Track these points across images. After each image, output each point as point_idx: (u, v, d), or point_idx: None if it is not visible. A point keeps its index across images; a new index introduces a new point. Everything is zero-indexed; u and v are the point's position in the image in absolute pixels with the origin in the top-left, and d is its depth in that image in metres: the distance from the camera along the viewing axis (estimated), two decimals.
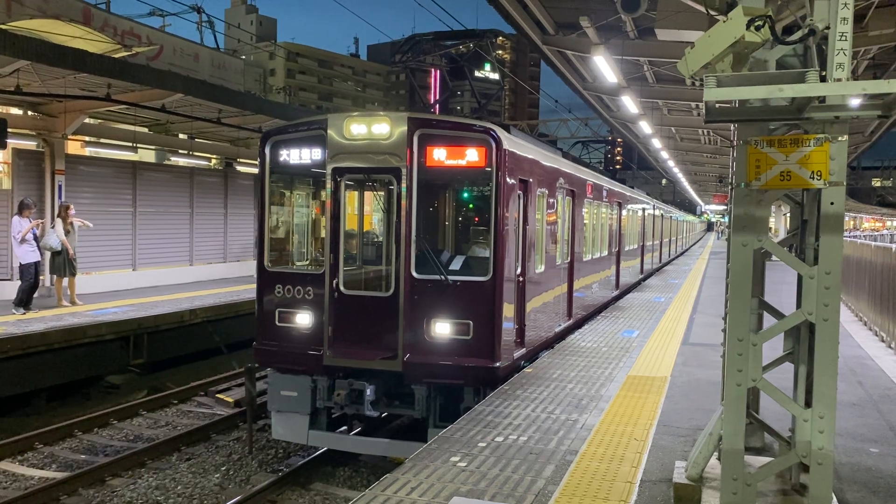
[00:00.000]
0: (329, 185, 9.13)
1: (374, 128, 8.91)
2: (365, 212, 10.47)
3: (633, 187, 25.18)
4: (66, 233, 14.38)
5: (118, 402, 12.79)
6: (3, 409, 11.78)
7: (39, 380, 12.10)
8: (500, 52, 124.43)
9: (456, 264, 9.23)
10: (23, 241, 13.64)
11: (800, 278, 4.86)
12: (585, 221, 14.39)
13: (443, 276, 8.72)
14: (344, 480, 9.39)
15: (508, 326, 9.05)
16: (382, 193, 9.35)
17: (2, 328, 12.09)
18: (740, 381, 4.71)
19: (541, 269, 10.84)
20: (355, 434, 9.86)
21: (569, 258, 13.04)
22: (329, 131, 9.10)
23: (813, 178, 4.50)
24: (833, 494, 4.81)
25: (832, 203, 4.52)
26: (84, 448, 10.57)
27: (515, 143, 9.40)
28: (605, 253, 17.16)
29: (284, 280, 9.44)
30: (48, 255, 14.59)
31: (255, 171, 9.86)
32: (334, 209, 9.15)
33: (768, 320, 5.52)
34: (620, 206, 19.21)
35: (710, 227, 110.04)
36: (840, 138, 4.46)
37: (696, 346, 11.95)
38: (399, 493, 5.51)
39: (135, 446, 10.48)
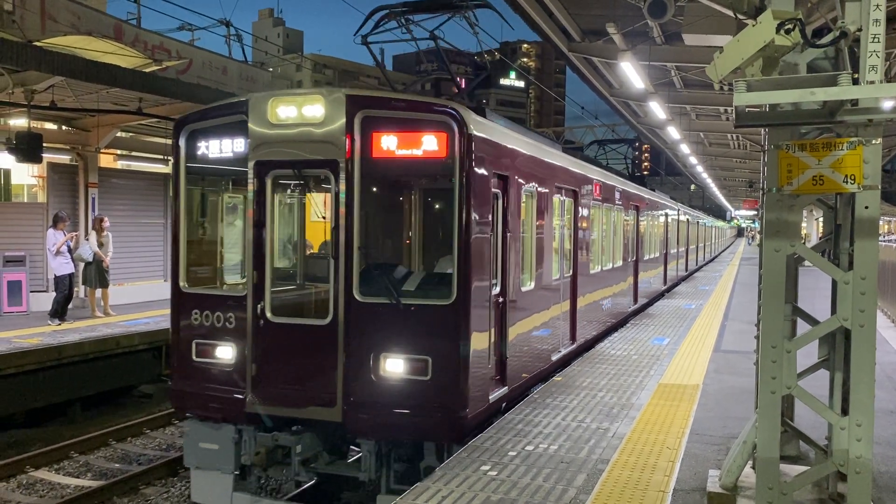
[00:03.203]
0: (252, 184, 7.38)
1: (306, 109, 7.18)
2: (312, 216, 8.43)
3: (654, 189, 22.87)
4: (100, 245, 14.63)
5: (151, 411, 12.94)
6: (40, 419, 12.00)
7: (75, 389, 12.30)
8: (525, 59, 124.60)
9: (411, 284, 7.46)
10: (57, 253, 13.91)
11: (834, 284, 4.80)
12: (593, 228, 12.49)
13: (394, 300, 6.92)
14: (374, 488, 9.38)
15: (481, 362, 7.21)
16: (319, 194, 7.76)
17: (38, 339, 12.32)
18: (774, 388, 4.65)
19: (529, 286, 8.95)
20: (293, 496, 8.37)
21: (570, 271, 11.08)
22: (250, 116, 7.36)
23: (846, 182, 4.44)
24: None
25: (867, 207, 4.46)
26: (118, 457, 10.71)
27: (489, 129, 7.52)
28: (620, 263, 15.11)
29: (203, 304, 7.59)
30: (82, 266, 14.85)
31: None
32: (258, 214, 7.38)
33: (802, 327, 5.45)
34: (638, 210, 17.23)
35: (740, 232, 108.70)
36: (874, 141, 4.40)
37: (729, 353, 11.81)
38: (430, 502, 5.50)
39: (167, 455, 10.59)
